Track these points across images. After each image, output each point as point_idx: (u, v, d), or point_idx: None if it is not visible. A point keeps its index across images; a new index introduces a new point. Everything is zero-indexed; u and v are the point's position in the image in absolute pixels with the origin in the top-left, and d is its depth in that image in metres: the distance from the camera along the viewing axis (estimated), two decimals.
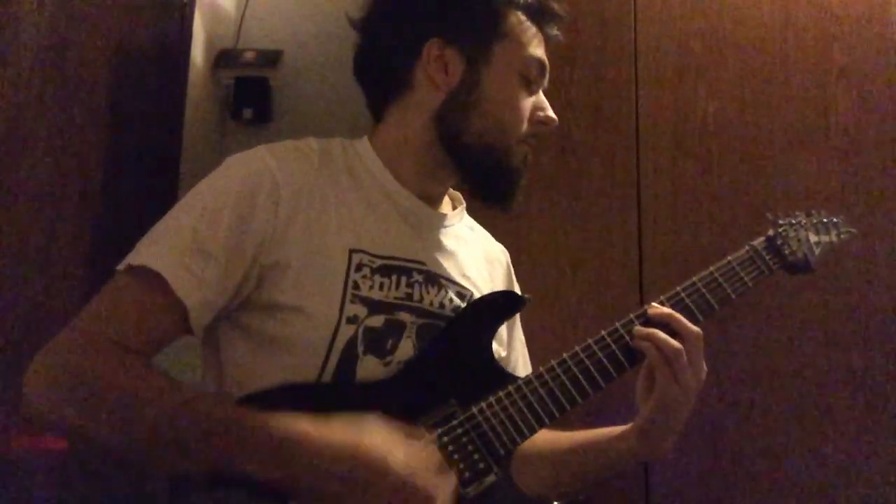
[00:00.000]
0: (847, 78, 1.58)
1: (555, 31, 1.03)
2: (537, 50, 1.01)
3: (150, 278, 0.84)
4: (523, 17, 1.00)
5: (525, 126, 1.00)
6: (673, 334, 0.92)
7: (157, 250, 0.85)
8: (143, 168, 1.89)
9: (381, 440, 0.79)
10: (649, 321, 0.94)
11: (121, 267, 0.86)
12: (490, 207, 1.02)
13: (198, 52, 2.11)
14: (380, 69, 1.03)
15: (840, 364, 1.49)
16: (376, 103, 1.05)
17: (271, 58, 2.21)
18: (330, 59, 2.24)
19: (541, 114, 1.01)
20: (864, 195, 1.54)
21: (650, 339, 0.92)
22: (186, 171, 2.03)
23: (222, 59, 2.22)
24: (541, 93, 1.03)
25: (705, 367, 0.94)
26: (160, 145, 1.97)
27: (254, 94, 2.20)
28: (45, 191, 1.49)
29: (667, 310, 0.94)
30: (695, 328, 0.93)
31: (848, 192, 1.55)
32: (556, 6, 1.03)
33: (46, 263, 1.50)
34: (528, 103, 1.00)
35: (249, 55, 2.21)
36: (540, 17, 1.01)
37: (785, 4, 1.62)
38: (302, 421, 0.78)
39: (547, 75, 1.03)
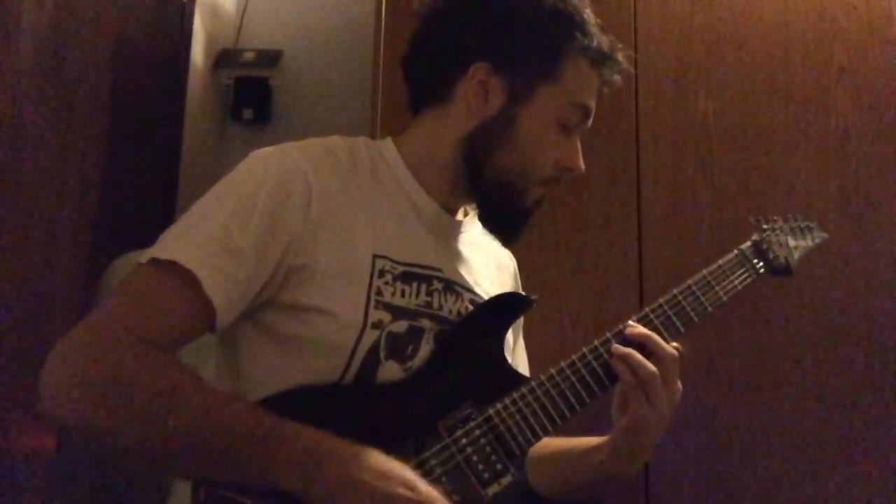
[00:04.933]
0: (847, 78, 1.58)
1: (615, 78, 1.00)
2: (585, 97, 0.98)
3: (180, 275, 0.81)
4: (582, 62, 0.96)
5: (551, 170, 0.98)
6: (648, 355, 0.92)
7: (187, 247, 0.83)
8: (143, 167, 1.89)
9: (406, 468, 0.79)
10: (626, 341, 0.94)
11: (144, 260, 0.83)
12: (494, 237, 1.02)
13: (198, 52, 2.11)
14: (425, 69, 1.01)
15: (840, 364, 1.49)
16: (415, 101, 1.04)
17: (271, 58, 2.21)
18: (330, 59, 2.25)
19: (568, 162, 0.98)
20: (864, 195, 1.54)
21: (626, 360, 0.91)
22: (186, 170, 2.03)
23: (222, 59, 2.22)
24: (576, 138, 1.00)
25: (680, 387, 0.93)
26: (160, 145, 1.97)
27: (254, 94, 2.20)
28: (45, 190, 1.49)
29: (643, 330, 0.94)
30: (671, 350, 0.92)
31: (848, 192, 1.55)
32: (621, 57, 0.99)
33: (46, 263, 1.50)
34: (558, 148, 0.97)
35: (249, 55, 2.22)
36: (601, 64, 0.98)
37: (785, 4, 1.62)
38: (334, 437, 0.77)
39: (590, 120, 1.00)
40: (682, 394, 0.94)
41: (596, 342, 0.94)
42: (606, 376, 0.92)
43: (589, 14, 0.98)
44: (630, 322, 0.95)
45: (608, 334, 0.95)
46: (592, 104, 0.99)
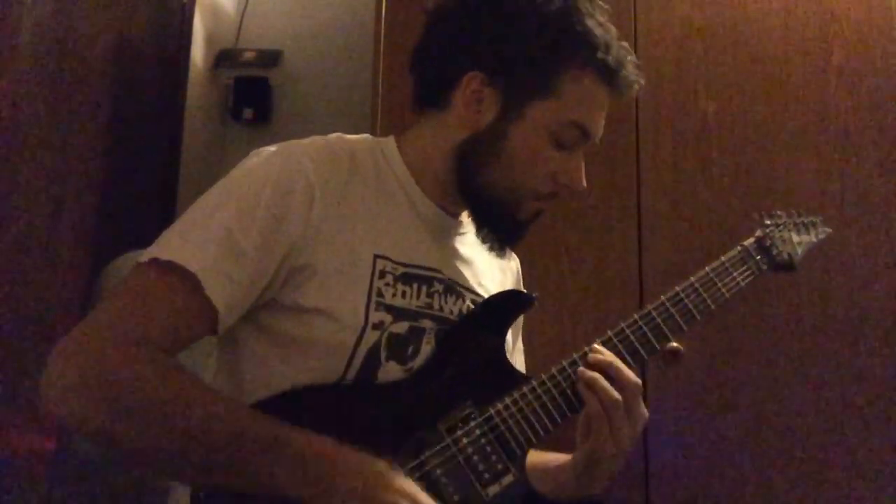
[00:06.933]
0: (847, 78, 1.58)
1: (629, 89, 0.96)
2: (586, 114, 0.94)
3: (181, 276, 0.80)
4: (587, 76, 0.92)
5: (546, 185, 0.95)
6: (612, 381, 0.90)
7: (189, 248, 0.82)
8: (144, 167, 1.89)
9: (410, 482, 0.79)
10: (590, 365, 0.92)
11: (144, 259, 0.82)
12: (484, 247, 1.01)
13: (198, 52, 2.11)
14: (425, 71, 1.00)
15: (840, 364, 1.49)
16: (417, 100, 1.02)
17: (271, 58, 2.21)
18: (330, 59, 2.25)
19: (566, 179, 0.95)
20: (864, 195, 1.54)
21: (591, 386, 0.89)
22: (186, 170, 2.03)
23: (222, 58, 2.22)
24: (579, 155, 0.96)
25: (645, 413, 0.91)
26: (160, 145, 1.97)
27: (254, 94, 2.20)
28: (45, 190, 1.49)
29: (608, 357, 0.91)
30: (633, 378, 0.90)
31: (848, 192, 1.55)
32: (632, 73, 0.95)
33: (47, 263, 1.50)
34: (554, 164, 0.94)
35: (249, 55, 2.22)
36: (609, 77, 0.93)
37: (785, 4, 1.62)
38: (341, 446, 0.77)
39: (594, 138, 0.97)
40: (646, 420, 0.91)
41: (564, 363, 0.91)
42: (576, 398, 0.91)
43: (597, 23, 0.93)
44: (595, 346, 0.93)
45: (575, 356, 0.92)
46: (591, 123, 0.95)
